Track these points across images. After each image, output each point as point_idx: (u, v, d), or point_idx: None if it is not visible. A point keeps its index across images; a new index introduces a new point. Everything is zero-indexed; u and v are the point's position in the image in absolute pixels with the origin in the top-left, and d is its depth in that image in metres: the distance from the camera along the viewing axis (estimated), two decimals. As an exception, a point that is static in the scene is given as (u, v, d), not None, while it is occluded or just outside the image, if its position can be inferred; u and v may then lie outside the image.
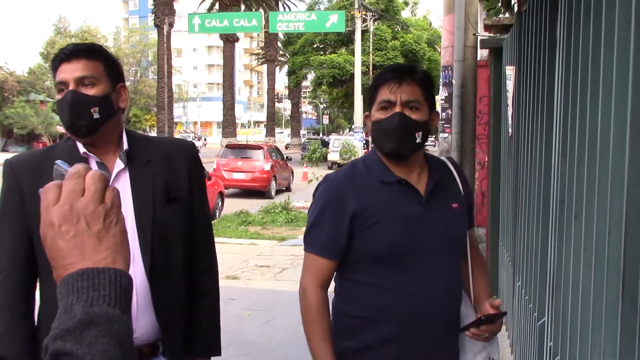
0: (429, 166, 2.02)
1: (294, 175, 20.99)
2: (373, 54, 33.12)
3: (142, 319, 1.83)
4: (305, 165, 19.97)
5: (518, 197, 4.24)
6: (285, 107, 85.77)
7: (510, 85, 4.73)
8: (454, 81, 6.28)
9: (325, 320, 1.92)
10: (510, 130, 4.84)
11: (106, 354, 0.68)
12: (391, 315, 1.90)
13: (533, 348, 3.30)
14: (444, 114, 6.56)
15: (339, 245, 1.92)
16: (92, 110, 1.81)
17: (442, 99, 6.64)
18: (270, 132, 48.69)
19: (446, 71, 6.50)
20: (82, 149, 1.89)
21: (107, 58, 1.91)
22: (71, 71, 1.82)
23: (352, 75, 28.00)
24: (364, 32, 29.61)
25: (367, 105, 2.04)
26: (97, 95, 1.83)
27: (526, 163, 3.89)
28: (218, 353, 2.06)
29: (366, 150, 29.81)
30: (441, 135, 6.65)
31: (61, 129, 46.68)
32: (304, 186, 18.16)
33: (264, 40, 49.47)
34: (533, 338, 3.30)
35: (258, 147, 19.77)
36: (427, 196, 1.94)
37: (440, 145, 6.71)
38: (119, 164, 1.89)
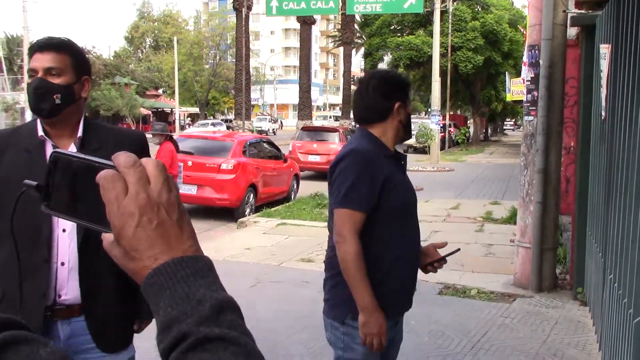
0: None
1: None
2: (452, 35, 32.28)
3: (72, 283, 2.13)
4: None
5: (612, 184, 3.97)
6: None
7: (604, 65, 4.42)
8: (540, 61, 5.96)
9: (364, 263, 2.33)
10: (603, 114, 4.53)
11: (249, 335, 0.71)
12: (397, 258, 2.42)
13: (627, 347, 3.07)
14: (529, 95, 6.25)
15: (373, 201, 2.37)
16: (54, 97, 2.07)
17: (527, 80, 6.32)
18: (345, 115, 48.52)
19: (533, 51, 6.17)
20: (40, 132, 2.14)
21: (75, 53, 2.16)
22: (41, 61, 2.09)
23: (430, 57, 27.36)
24: (443, 12, 28.88)
25: (402, 96, 2.52)
26: (60, 84, 2.09)
27: (623, 148, 3.62)
28: (149, 317, 2.34)
29: (443, 134, 29.29)
30: (526, 118, 6.34)
31: (145, 111, 48.20)
32: (379, 169, 17.99)
33: (340, 22, 49.17)
34: (627, 336, 3.07)
35: (333, 130, 19.69)
36: (403, 164, 2.57)
37: (524, 128, 6.41)
38: (72, 148, 2.13)
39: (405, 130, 2.54)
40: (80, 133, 2.17)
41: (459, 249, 2.59)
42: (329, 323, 2.51)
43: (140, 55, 67.58)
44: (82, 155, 0.75)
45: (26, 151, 2.10)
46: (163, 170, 0.74)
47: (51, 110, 2.09)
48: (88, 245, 2.11)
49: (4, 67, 49.10)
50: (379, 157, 2.43)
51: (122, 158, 0.73)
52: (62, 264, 2.11)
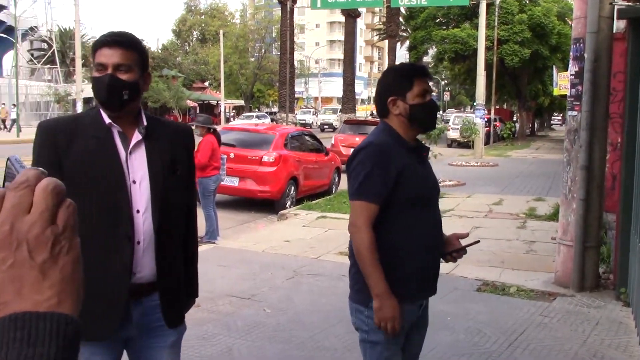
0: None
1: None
2: (498, 28, 31.65)
3: (145, 262, 2.23)
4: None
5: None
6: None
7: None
8: (585, 55, 5.82)
9: (376, 252, 2.44)
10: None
11: None
12: (417, 246, 2.52)
13: (667, 349, 3.00)
14: (573, 90, 6.11)
15: (386, 193, 2.47)
16: (123, 92, 2.16)
17: (571, 75, 6.18)
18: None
19: (577, 44, 6.03)
20: (107, 119, 2.22)
21: (141, 50, 2.25)
22: (111, 57, 2.16)
23: (475, 50, 26.93)
24: (489, 5, 28.38)
25: (396, 90, 2.57)
26: (129, 80, 2.17)
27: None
28: (197, 294, 2.59)
29: (488, 129, 28.87)
30: (569, 113, 6.20)
31: (191, 103, 48.86)
32: (421, 164, 17.84)
33: (385, 15, 48.85)
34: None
35: (376, 123, 19.59)
36: (425, 156, 2.68)
37: (568, 123, 6.27)
38: (137, 136, 2.23)
39: (419, 122, 2.58)
40: (144, 122, 2.27)
41: (478, 241, 2.66)
42: (354, 308, 2.62)
43: (187, 48, 68.46)
44: (17, 165, 0.67)
45: (95, 137, 2.19)
46: (51, 197, 0.61)
47: (120, 105, 2.18)
48: (164, 225, 2.25)
49: (57, 60, 50.48)
50: (397, 149, 2.52)
51: (19, 176, 0.62)
52: (138, 242, 2.21)
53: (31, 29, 51.75)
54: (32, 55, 56.96)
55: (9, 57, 50.56)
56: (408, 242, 2.53)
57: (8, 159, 0.68)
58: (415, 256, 2.53)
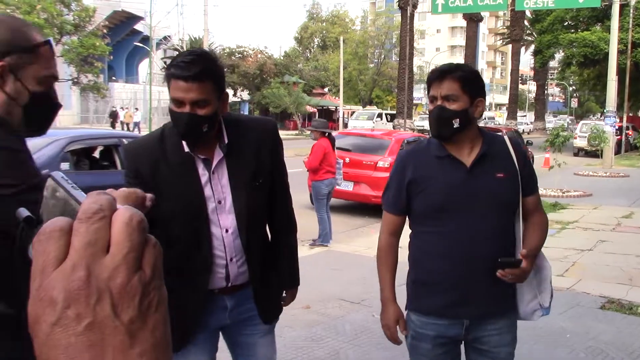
0: (482, 142, 2.45)
1: (534, 161, 19.84)
2: (632, 30, 29.68)
3: (241, 272, 2.31)
4: (547, 150, 18.77)
5: None
6: (529, 89, 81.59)
7: None
8: None
9: (390, 258, 2.55)
10: None
11: None
12: (436, 257, 2.44)
13: None
14: None
15: (401, 204, 2.51)
16: (202, 127, 2.12)
17: None
18: (512, 115, 46.70)
19: None
20: (186, 148, 2.20)
21: (217, 76, 2.15)
22: (187, 92, 2.07)
23: (607, 54, 25.41)
24: (623, 6, 26.69)
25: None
26: (207, 114, 2.11)
27: None
28: (298, 282, 2.63)
29: (619, 137, 27.19)
30: None
31: (310, 109, 49.75)
32: (544, 172, 17.09)
33: (509, 18, 47.35)
34: None
35: (496, 130, 19.03)
36: (471, 167, 2.41)
37: None
38: (218, 153, 2.24)
39: (430, 127, 2.47)
40: (226, 139, 2.25)
41: (519, 261, 2.35)
42: None
43: (308, 54, 69.83)
44: (67, 185, 0.54)
45: (176, 164, 2.22)
46: (137, 233, 0.48)
47: (199, 138, 2.17)
48: (251, 240, 2.32)
49: (186, 68, 52.99)
50: (426, 158, 2.48)
51: (87, 202, 0.49)
52: (231, 259, 2.29)
53: (165, 38, 54.89)
54: (165, 63, 60.28)
55: (144, 65, 54.00)
56: (429, 253, 2.47)
57: (50, 176, 0.55)
58: (438, 268, 2.44)
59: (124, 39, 48.10)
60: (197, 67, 2.08)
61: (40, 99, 1.66)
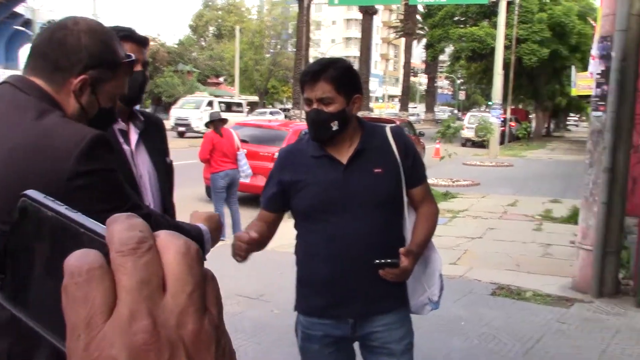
0: (361, 138, 2.38)
1: (425, 151, 20.45)
2: (517, 27, 31.21)
3: None
4: (438, 141, 19.38)
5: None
6: (420, 81, 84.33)
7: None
8: (613, 54, 5.61)
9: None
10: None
11: None
12: (316, 258, 2.38)
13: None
14: (598, 90, 5.90)
15: (277, 203, 2.47)
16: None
17: (597, 74, 5.97)
18: (404, 107, 48.06)
19: (605, 42, 5.82)
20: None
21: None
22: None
23: (493, 49, 26.60)
24: (509, 3, 27.98)
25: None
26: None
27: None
28: None
29: (503, 128, 28.59)
30: (594, 113, 6.00)
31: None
32: (435, 162, 17.63)
33: (403, 12, 48.62)
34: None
35: (390, 122, 19.43)
36: (347, 164, 2.34)
37: (592, 124, 6.06)
38: (133, 135, 2.19)
39: (308, 129, 2.38)
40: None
41: (396, 262, 2.26)
42: None
43: (203, 43, 68.48)
44: (60, 208, 0.41)
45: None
46: (197, 266, 0.39)
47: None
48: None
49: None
50: (303, 158, 2.41)
51: (120, 228, 0.38)
52: None
53: (49, 22, 52.04)
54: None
55: (25, 51, 50.87)
56: (310, 253, 2.42)
57: (24, 195, 0.41)
58: (313, 268, 2.40)
59: (4, 22, 45.09)
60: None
61: (106, 115, 1.66)
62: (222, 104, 31.07)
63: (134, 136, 2.19)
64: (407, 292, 2.45)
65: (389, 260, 2.27)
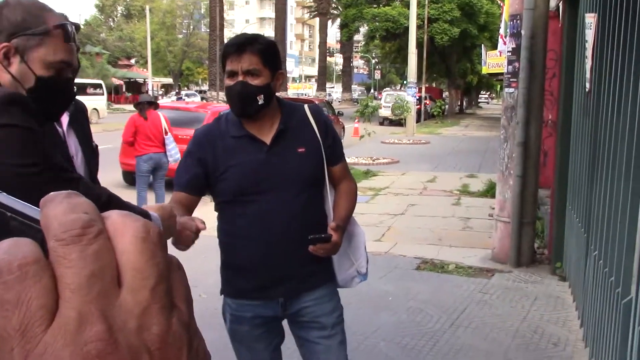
0: (281, 117, 2.36)
1: (345, 131, 20.64)
2: (428, 6, 31.92)
3: None
4: (357, 120, 19.58)
5: (597, 158, 3.86)
6: (337, 61, 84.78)
7: (590, 35, 4.28)
8: (522, 32, 5.81)
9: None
10: (588, 86, 4.41)
11: None
12: (242, 240, 2.34)
13: (613, 327, 2.98)
14: (510, 67, 6.11)
15: (195, 185, 2.36)
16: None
17: (508, 51, 6.18)
18: (321, 87, 48.23)
19: (514, 20, 6.01)
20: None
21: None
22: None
23: (406, 28, 27.05)
24: (420, -17, 28.58)
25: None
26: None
27: (609, 121, 3.50)
28: None
29: (419, 107, 29.23)
30: (506, 90, 6.21)
31: (116, 81, 47.29)
32: (355, 142, 17.83)
33: (316, -8, 48.54)
34: (614, 316, 2.98)
35: (309, 102, 19.43)
36: (270, 144, 2.32)
37: (505, 100, 6.28)
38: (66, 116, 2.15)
39: (230, 105, 2.32)
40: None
41: (329, 236, 2.28)
42: None
43: (111, 24, 66.06)
44: (17, 205, 0.32)
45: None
46: (160, 252, 0.32)
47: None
48: None
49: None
50: (223, 139, 2.34)
51: (60, 209, 0.30)
52: None
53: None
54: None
55: None
56: (236, 236, 2.38)
57: None
58: (245, 251, 2.36)
59: None
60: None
61: (46, 84, 1.63)
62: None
63: (65, 119, 2.15)
64: (334, 267, 2.48)
65: (322, 235, 2.29)
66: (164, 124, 7.88)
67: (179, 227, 1.92)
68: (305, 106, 2.47)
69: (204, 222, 2.02)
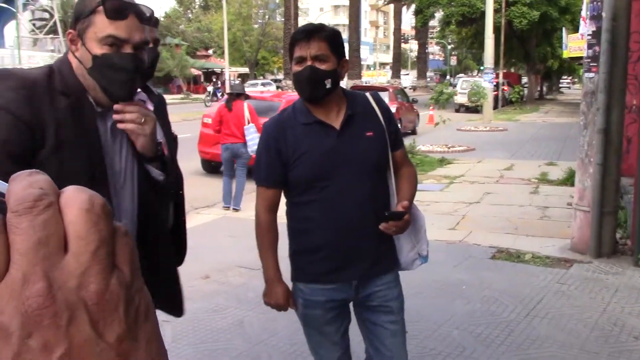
0: (347, 103, 2.43)
1: (419, 118, 20.43)
2: (507, -11, 31.11)
3: None
4: (431, 107, 19.35)
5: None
6: (411, 48, 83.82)
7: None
8: (603, 14, 5.59)
9: (271, 234, 2.46)
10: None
11: None
12: (316, 225, 2.41)
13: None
14: (590, 51, 5.90)
15: (274, 177, 2.43)
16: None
17: (589, 35, 5.96)
18: (395, 74, 47.83)
19: (595, 2, 5.79)
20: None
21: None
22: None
23: (483, 13, 26.40)
24: (498, -34, 27.81)
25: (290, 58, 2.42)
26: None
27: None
28: None
29: (496, 92, 28.55)
30: (586, 74, 6.00)
31: (195, 72, 48.50)
32: (430, 129, 17.63)
33: (391, -22, 48.06)
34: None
35: (383, 89, 19.35)
36: (340, 129, 2.39)
37: (584, 85, 6.07)
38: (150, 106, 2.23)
39: (298, 92, 2.39)
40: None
41: (403, 213, 2.34)
42: None
43: (190, 15, 67.66)
44: None
45: None
46: (102, 221, 0.35)
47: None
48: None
49: (60, 30, 50.07)
50: (293, 127, 2.40)
51: (19, 186, 0.35)
52: None
53: (30, -2, 51.25)
54: (34, 25, 56.48)
55: (11, 28, 50.21)
56: (309, 221, 2.43)
57: None
58: (318, 236, 2.42)
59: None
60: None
61: (102, 62, 1.68)
62: None
63: (150, 108, 2.25)
64: (397, 250, 2.56)
65: (398, 212, 2.36)
66: (247, 115, 8.09)
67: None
68: (368, 94, 2.56)
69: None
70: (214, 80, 44.54)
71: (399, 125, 18.13)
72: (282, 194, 2.50)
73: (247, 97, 8.60)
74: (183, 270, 3.04)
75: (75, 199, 0.35)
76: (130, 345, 0.35)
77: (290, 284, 2.55)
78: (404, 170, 2.58)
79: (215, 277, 5.37)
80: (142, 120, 1.74)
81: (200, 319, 4.47)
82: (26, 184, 0.34)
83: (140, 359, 0.35)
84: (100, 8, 1.66)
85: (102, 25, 1.67)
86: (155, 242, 1.96)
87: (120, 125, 1.75)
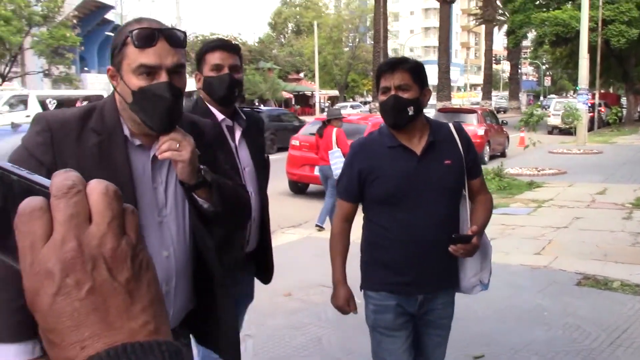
0: (430, 130, 2.60)
1: (509, 140, 20.03)
2: (603, 7, 29.93)
3: (254, 235, 2.84)
4: (522, 129, 18.95)
5: None
6: (503, 68, 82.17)
7: None
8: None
9: (341, 242, 2.69)
10: None
11: None
12: (391, 241, 2.58)
13: None
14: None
15: (353, 192, 2.66)
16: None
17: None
18: (486, 95, 47.03)
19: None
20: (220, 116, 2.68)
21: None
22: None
23: (578, 32, 25.61)
24: (594, -16, 26.95)
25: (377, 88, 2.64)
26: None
27: None
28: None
29: (592, 114, 27.54)
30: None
31: (286, 95, 49.60)
32: (519, 152, 17.27)
33: (482, -1, 47.51)
34: None
35: (471, 111, 19.11)
36: (421, 155, 2.56)
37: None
38: (238, 128, 2.71)
39: (385, 119, 2.59)
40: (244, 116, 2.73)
41: (471, 237, 2.48)
42: None
43: (282, 40, 69.45)
44: (23, 172, 0.52)
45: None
46: (115, 202, 0.51)
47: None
48: (265, 202, 2.88)
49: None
50: (378, 148, 2.61)
51: (58, 179, 0.50)
52: (254, 219, 2.79)
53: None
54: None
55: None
56: (384, 236, 2.61)
57: (1, 166, 0.53)
58: (392, 250, 2.59)
59: (95, 28, 47.35)
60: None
61: (140, 95, 1.66)
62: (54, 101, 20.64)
63: (237, 133, 2.52)
64: (459, 273, 2.71)
65: (466, 235, 2.52)
66: (334, 139, 8.44)
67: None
68: (450, 124, 2.74)
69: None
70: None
71: (488, 147, 17.96)
72: (360, 209, 2.72)
73: (342, 121, 8.95)
74: (267, 287, 3.25)
75: (96, 187, 0.50)
76: (135, 286, 0.50)
77: (359, 293, 2.73)
78: (480, 197, 2.74)
79: (297, 294, 5.54)
80: (177, 145, 1.69)
81: (280, 335, 4.64)
82: (63, 178, 0.50)
83: (142, 295, 0.50)
84: (129, 39, 1.65)
85: (133, 56, 1.65)
86: (209, 275, 1.90)
87: (157, 154, 1.73)
